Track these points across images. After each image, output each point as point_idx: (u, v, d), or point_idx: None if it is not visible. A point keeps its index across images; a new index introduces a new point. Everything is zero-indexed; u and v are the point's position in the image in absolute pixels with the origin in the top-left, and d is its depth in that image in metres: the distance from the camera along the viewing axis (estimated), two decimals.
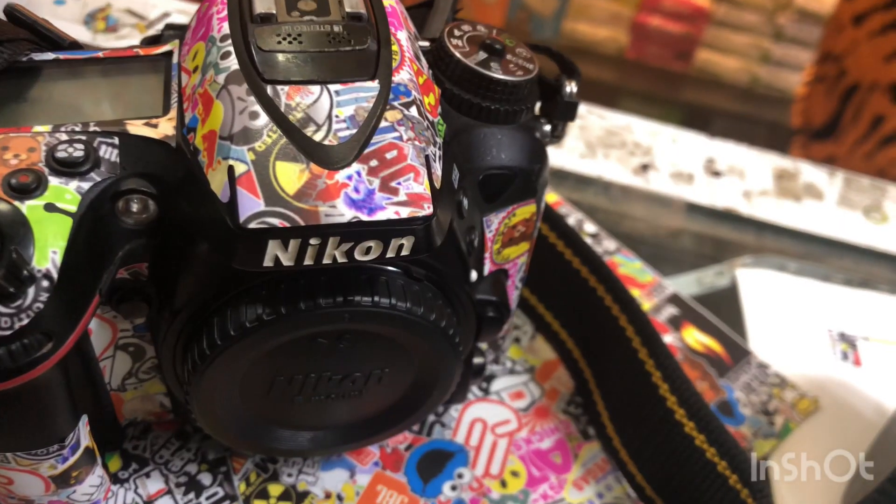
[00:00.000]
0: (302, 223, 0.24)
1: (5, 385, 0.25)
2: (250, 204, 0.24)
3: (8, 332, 0.24)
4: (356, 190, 0.25)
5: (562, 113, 0.33)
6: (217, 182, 0.25)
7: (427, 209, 0.25)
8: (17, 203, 0.25)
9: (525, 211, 0.33)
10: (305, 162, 0.25)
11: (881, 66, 0.92)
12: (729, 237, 0.56)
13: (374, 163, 0.25)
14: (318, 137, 0.25)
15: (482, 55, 0.31)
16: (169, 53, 0.31)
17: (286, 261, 0.25)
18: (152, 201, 0.27)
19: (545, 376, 0.43)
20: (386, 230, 0.25)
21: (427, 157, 0.26)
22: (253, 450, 0.35)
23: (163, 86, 0.29)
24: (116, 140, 0.27)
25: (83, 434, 0.31)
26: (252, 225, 0.24)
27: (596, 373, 0.40)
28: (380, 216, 0.25)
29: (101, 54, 0.31)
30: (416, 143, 0.26)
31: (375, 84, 0.26)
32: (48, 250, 0.25)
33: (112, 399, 0.34)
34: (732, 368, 0.45)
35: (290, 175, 0.24)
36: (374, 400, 0.33)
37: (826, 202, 0.58)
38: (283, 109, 0.25)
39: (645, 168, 0.57)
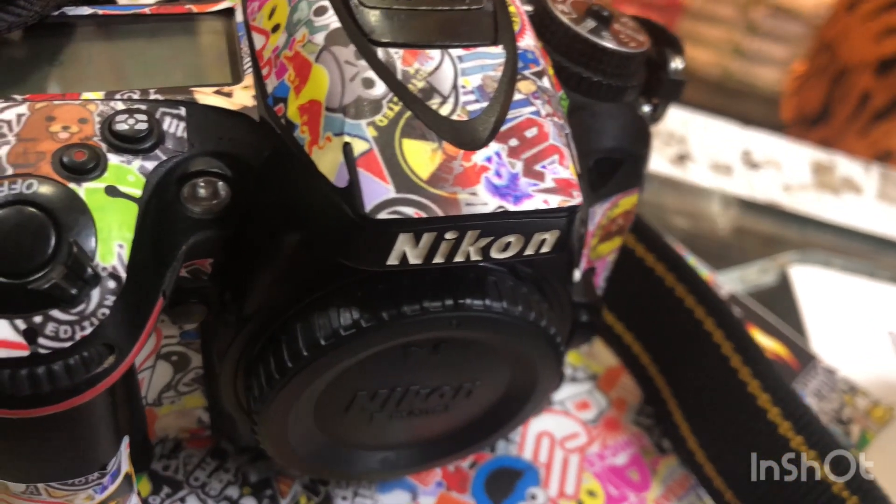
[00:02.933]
0: (440, 213, 0.20)
1: (60, 407, 0.21)
2: (377, 190, 0.20)
3: (67, 344, 0.20)
4: (498, 174, 0.20)
5: (666, 92, 0.30)
6: (328, 163, 0.20)
7: (576, 198, 0.21)
8: (72, 185, 0.20)
9: (628, 201, 0.29)
10: (437, 140, 0.20)
11: (870, 46, 0.92)
12: (768, 231, 0.54)
13: (513, 142, 0.21)
14: (444, 111, 0.21)
15: (591, 23, 0.27)
16: (229, 11, 0.26)
17: (414, 258, 0.21)
18: (225, 185, 0.23)
19: (610, 384, 0.39)
20: (532, 222, 0.21)
21: (567, 135, 0.22)
22: (322, 474, 0.31)
23: (227, 48, 0.25)
24: (183, 111, 0.22)
25: (124, 458, 0.27)
26: (381, 215, 0.20)
27: (670, 381, 0.37)
28: (527, 205, 0.20)
29: (147, 10, 0.26)
30: (556, 119, 0.22)
31: (500, 50, 0.22)
32: (113, 243, 0.20)
33: (145, 415, 0.30)
34: (800, 374, 0.42)
35: (421, 156, 0.20)
36: (458, 414, 0.29)
37: (865, 196, 0.56)
38: (399, 77, 0.21)
39: (682, 159, 0.54)
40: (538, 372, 0.27)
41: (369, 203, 0.20)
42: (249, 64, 0.24)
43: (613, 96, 0.27)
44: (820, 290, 0.48)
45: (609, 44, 0.26)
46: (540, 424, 0.36)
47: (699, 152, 0.55)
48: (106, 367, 0.21)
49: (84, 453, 0.25)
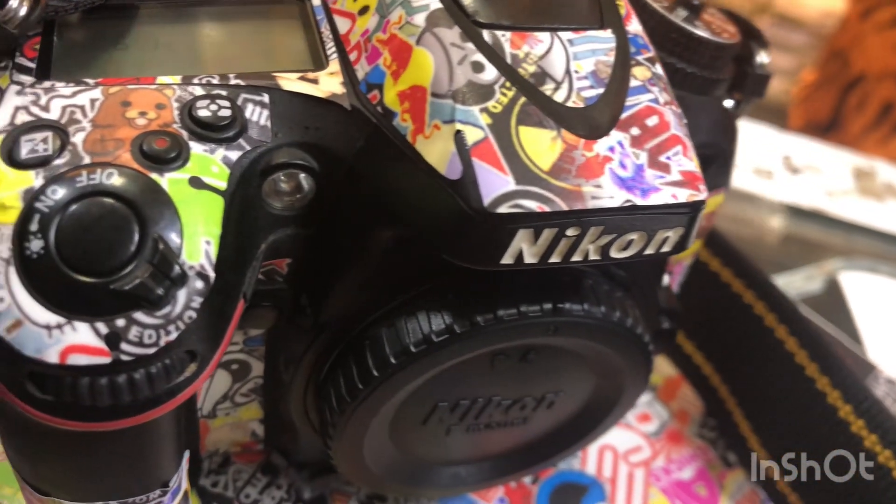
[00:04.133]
0: (564, 207, 0.18)
1: (138, 420, 0.19)
2: (495, 181, 0.18)
3: (151, 351, 0.18)
4: (622, 165, 0.19)
5: (752, 87, 0.28)
6: (436, 152, 0.19)
7: (703, 192, 0.20)
8: (154, 175, 0.19)
9: (714, 201, 0.28)
10: (555, 128, 0.19)
11: (890, 56, 0.92)
12: (811, 237, 0.52)
13: (635, 131, 0.19)
14: (559, 97, 0.19)
15: (682, 12, 0.25)
16: None
17: (530, 257, 0.19)
18: (310, 179, 0.21)
19: (669, 395, 0.37)
20: (658, 218, 0.19)
21: (685, 125, 0.21)
22: (392, 490, 0.29)
23: (303, 33, 0.23)
24: (266, 97, 0.21)
25: (184, 475, 0.25)
26: (500, 209, 0.18)
27: (736, 392, 0.35)
28: (654, 199, 0.19)
29: None
30: (674, 107, 0.20)
31: (609, 34, 0.21)
32: (200, 240, 0.18)
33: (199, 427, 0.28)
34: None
35: (540, 144, 0.18)
36: (536, 426, 0.27)
37: None
38: (509, 61, 0.19)
39: None
40: (625, 381, 0.26)
41: (487, 196, 0.18)
42: (334, 49, 0.22)
43: (706, 89, 0.26)
44: (872, 296, 0.46)
45: (704, 33, 0.25)
46: (602, 437, 0.35)
47: (740, 156, 0.54)
48: (187, 376, 0.19)
49: (148, 469, 0.23)
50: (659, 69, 0.21)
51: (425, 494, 0.29)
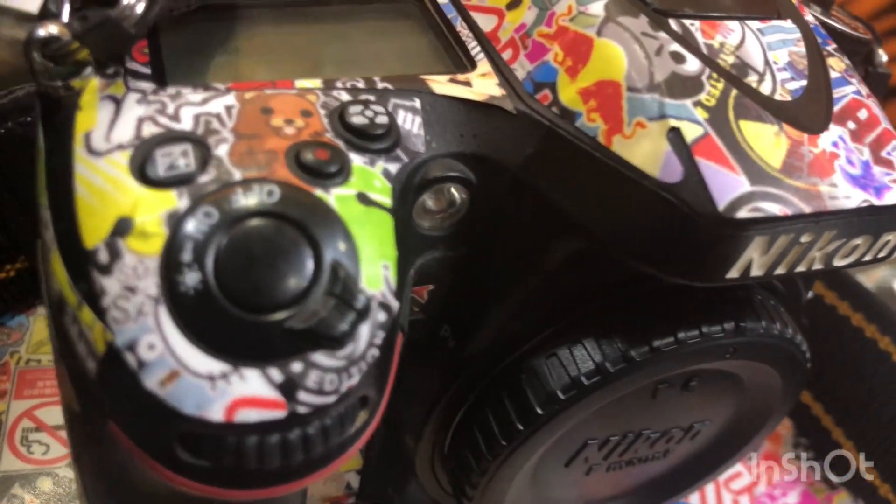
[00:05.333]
0: (807, 210, 0.16)
1: (304, 482, 0.16)
2: (728, 182, 0.16)
3: (332, 399, 0.15)
4: (850, 162, 0.17)
5: (873, 86, 0.27)
6: (644, 153, 0.16)
7: None
8: (319, 192, 0.16)
9: None
10: (775, 122, 0.17)
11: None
12: None
13: (851, 125, 0.17)
14: (764, 90, 0.17)
15: (815, 7, 0.24)
16: None
17: (757, 269, 0.16)
18: (464, 193, 0.18)
19: None
20: (889, 220, 0.17)
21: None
22: None
23: (430, 32, 0.21)
24: (418, 103, 0.18)
25: None
26: (740, 213, 0.15)
27: (832, 408, 0.33)
28: (889, 199, 0.17)
29: None
30: (874, 99, 0.19)
31: (790, 24, 0.19)
32: (379, 264, 0.16)
33: None
34: None
35: (765, 140, 0.16)
36: (675, 457, 0.25)
37: None
38: (705, 51, 0.17)
39: None
40: (775, 403, 0.24)
41: (721, 199, 0.16)
42: (478, 48, 0.20)
43: None
44: None
45: (843, 27, 0.23)
46: None
47: None
48: (358, 426, 0.16)
49: None
50: (847, 59, 0.19)
51: None
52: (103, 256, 0.15)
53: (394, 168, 0.17)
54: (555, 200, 0.18)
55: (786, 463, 0.34)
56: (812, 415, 0.34)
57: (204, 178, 0.15)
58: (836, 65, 0.19)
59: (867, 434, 0.32)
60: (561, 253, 0.18)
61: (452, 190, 0.19)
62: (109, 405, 0.15)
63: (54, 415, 0.29)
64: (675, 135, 0.16)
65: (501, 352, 0.20)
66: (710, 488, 0.32)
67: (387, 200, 0.17)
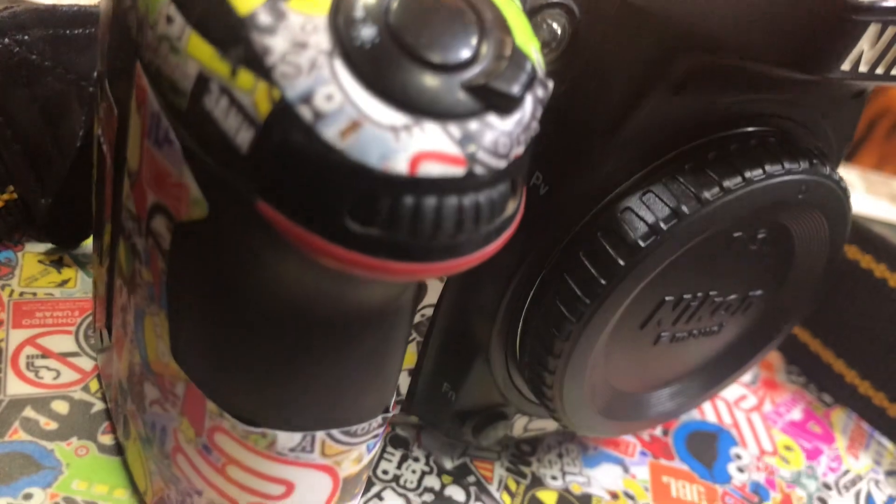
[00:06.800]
0: None
1: (471, 261, 0.15)
2: None
3: (503, 164, 0.15)
4: None
5: None
6: None
7: None
8: None
9: None
10: None
11: None
12: None
13: None
14: None
15: None
16: None
17: (864, 64, 0.18)
18: (565, 23, 0.19)
19: None
20: None
21: None
22: (612, 431, 0.26)
23: None
24: None
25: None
26: None
27: (819, 332, 0.35)
28: None
29: None
30: None
31: None
32: (531, 46, 0.16)
33: None
34: None
35: None
36: (728, 332, 0.25)
37: None
38: None
39: None
40: (818, 261, 0.25)
41: None
42: None
43: None
44: None
45: None
46: None
47: None
48: (509, 214, 0.16)
49: (383, 383, 0.19)
50: None
51: (657, 424, 0.26)
52: (264, 19, 0.14)
53: None
54: (665, 8, 0.18)
55: (783, 386, 0.35)
56: (800, 342, 0.36)
57: None
58: None
59: (855, 350, 0.34)
60: (668, 76, 0.19)
61: (554, 24, 0.19)
62: (267, 180, 0.14)
63: (62, 343, 0.26)
64: None
65: (597, 195, 0.20)
66: (722, 407, 0.33)
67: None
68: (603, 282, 0.20)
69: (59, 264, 0.29)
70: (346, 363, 0.18)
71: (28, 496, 0.22)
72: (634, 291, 0.21)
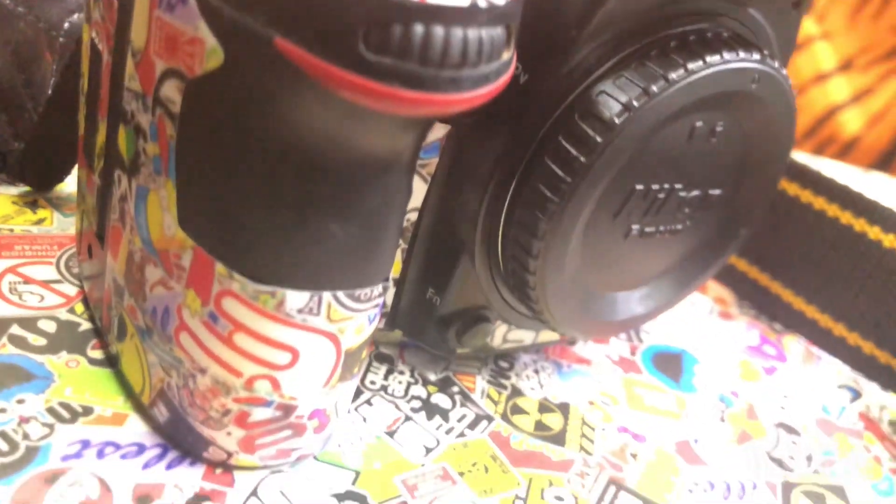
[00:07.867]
0: None
1: (474, 99, 0.16)
2: None
3: (501, 2, 0.16)
4: None
5: None
6: None
7: None
8: None
9: None
10: None
11: None
12: None
13: None
14: None
15: None
16: None
17: None
18: None
19: (702, 288, 0.39)
20: None
21: None
22: (589, 330, 0.27)
23: None
24: None
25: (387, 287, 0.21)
26: None
27: (766, 268, 0.38)
28: None
29: None
30: None
31: None
32: None
33: None
34: None
35: None
36: (691, 234, 0.27)
37: None
38: None
39: None
40: (771, 159, 0.27)
41: None
42: None
43: None
44: None
45: None
46: (666, 318, 0.35)
47: None
48: (505, 60, 0.17)
49: (384, 251, 0.20)
50: None
51: (631, 327, 0.28)
52: None
53: None
54: None
55: (737, 317, 0.37)
56: (749, 278, 0.38)
57: None
58: None
59: (800, 279, 0.36)
60: None
61: None
62: (283, 14, 0.15)
63: (44, 271, 0.26)
64: None
65: (570, 83, 0.22)
66: (685, 332, 0.35)
67: None
68: (583, 160, 0.22)
69: (33, 206, 0.29)
70: (351, 220, 0.18)
71: (21, 401, 0.22)
72: (611, 171, 0.22)
